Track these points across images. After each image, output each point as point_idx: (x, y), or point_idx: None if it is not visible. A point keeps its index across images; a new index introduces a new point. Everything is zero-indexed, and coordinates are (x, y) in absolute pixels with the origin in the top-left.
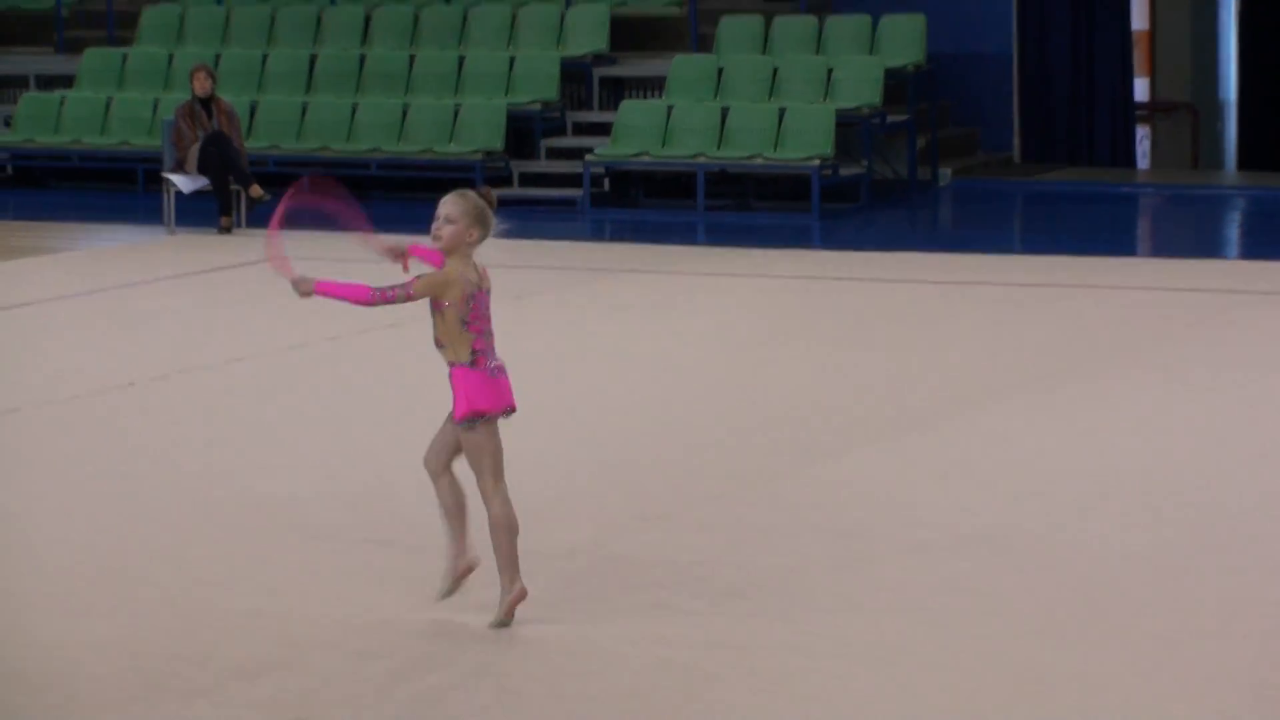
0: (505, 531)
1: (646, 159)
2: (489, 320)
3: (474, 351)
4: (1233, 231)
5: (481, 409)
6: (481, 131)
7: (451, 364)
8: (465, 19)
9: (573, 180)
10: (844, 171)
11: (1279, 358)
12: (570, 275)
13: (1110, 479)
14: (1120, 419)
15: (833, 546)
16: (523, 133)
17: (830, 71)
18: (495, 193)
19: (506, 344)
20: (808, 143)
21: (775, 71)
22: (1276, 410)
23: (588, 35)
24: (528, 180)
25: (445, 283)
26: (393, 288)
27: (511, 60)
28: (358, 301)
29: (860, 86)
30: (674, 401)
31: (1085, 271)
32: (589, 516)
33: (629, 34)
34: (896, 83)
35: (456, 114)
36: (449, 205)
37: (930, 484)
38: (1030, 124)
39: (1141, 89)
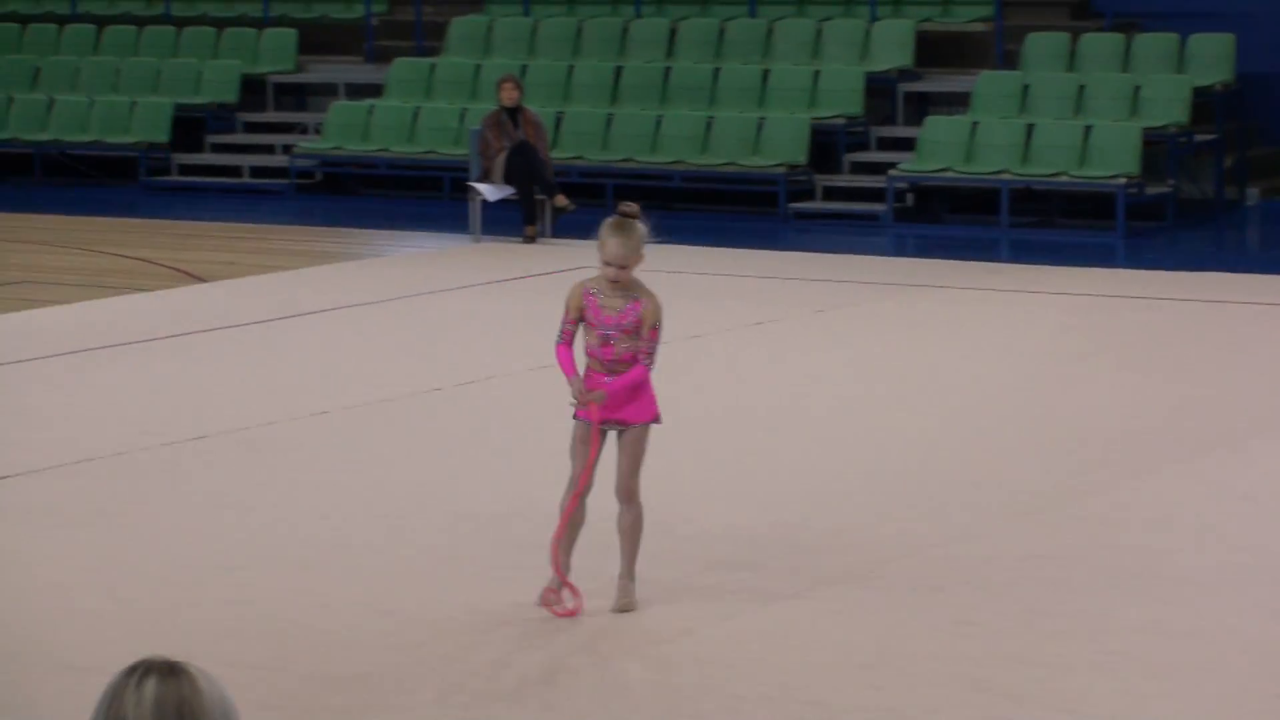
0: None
1: (950, 174)
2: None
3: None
4: None
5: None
6: (785, 145)
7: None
8: (770, 32)
9: (876, 195)
10: (1150, 190)
11: None
12: (873, 290)
13: None
14: None
15: (1137, 567)
16: (826, 147)
17: (1137, 89)
18: (635, 206)
19: (808, 355)
20: (1113, 161)
21: (1081, 89)
22: None
23: (893, 50)
24: (831, 194)
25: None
26: (646, 352)
27: (816, 74)
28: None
29: (1168, 105)
30: (974, 416)
31: None
32: (895, 525)
33: (934, 49)
34: (1204, 101)
35: (760, 127)
36: (617, 251)
37: (1235, 506)
38: None
39: None
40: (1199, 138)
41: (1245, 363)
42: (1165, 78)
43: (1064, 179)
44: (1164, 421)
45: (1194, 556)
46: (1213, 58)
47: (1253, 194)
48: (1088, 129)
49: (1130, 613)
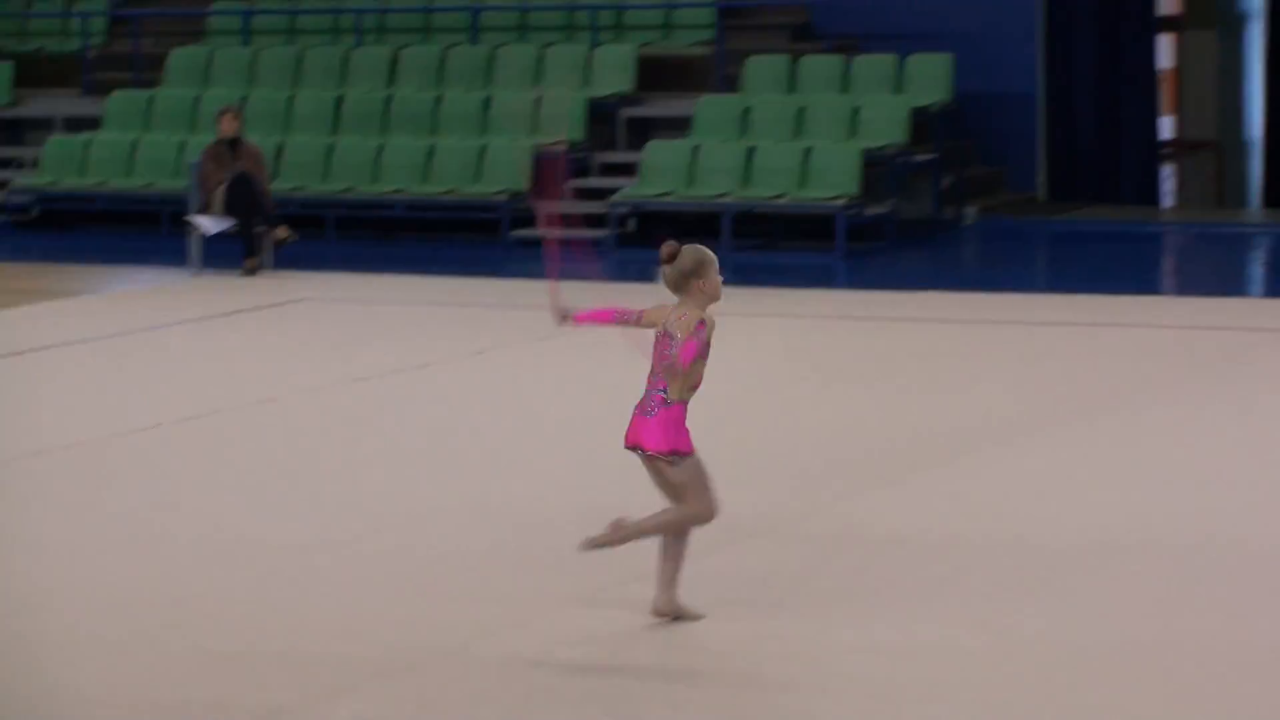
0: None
1: (672, 199)
2: (656, 361)
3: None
4: (1258, 269)
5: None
6: (507, 172)
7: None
8: (492, 59)
9: (599, 221)
10: (870, 211)
11: None
12: None
13: (1130, 518)
14: (1144, 456)
15: (859, 586)
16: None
17: (856, 110)
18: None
19: (531, 382)
20: (833, 182)
21: (801, 111)
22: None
23: (614, 75)
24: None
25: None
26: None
27: (538, 101)
28: (611, 322)
29: (886, 125)
30: (698, 440)
31: (1111, 310)
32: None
33: (656, 73)
34: (923, 121)
35: (482, 154)
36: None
37: (956, 520)
38: (1056, 162)
39: (1167, 127)
40: (918, 158)
41: (965, 380)
42: (884, 99)
43: (785, 201)
44: (883, 438)
45: (914, 576)
46: (930, 78)
47: (970, 212)
48: (808, 151)
49: (846, 634)
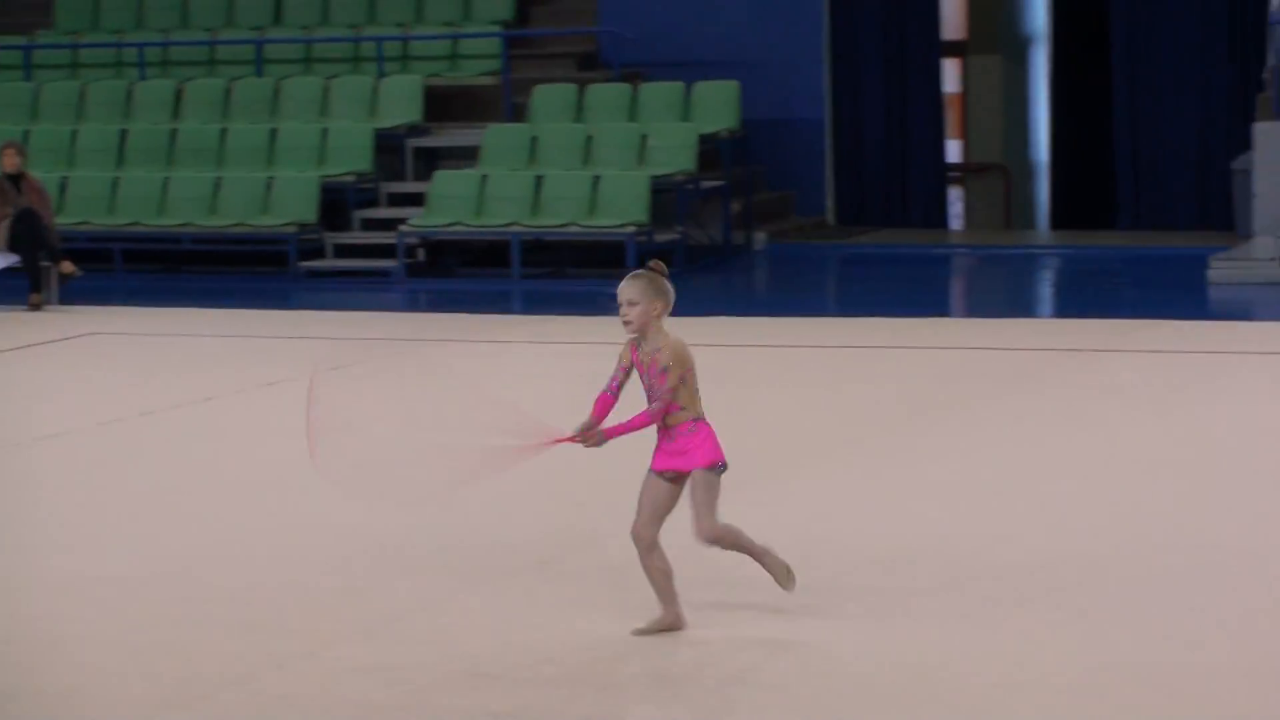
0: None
1: (460, 229)
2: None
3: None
4: (1045, 290)
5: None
6: (295, 204)
7: (696, 420)
8: (277, 91)
9: (388, 251)
10: (659, 238)
11: (1093, 414)
12: (385, 346)
13: (919, 540)
14: (935, 477)
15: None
16: (337, 204)
17: (644, 138)
18: (660, 264)
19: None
20: (623, 210)
21: (589, 139)
22: (1070, 465)
23: (401, 106)
24: (342, 252)
25: (682, 359)
26: (662, 399)
27: (324, 132)
28: (648, 425)
29: (675, 153)
30: None
31: (901, 332)
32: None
33: (443, 104)
34: (711, 148)
35: (269, 187)
36: (628, 290)
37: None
38: (844, 187)
39: (954, 151)
40: (706, 184)
41: (755, 406)
42: (671, 126)
43: (574, 229)
44: None
45: (709, 593)
46: (718, 106)
47: (760, 238)
48: (596, 179)
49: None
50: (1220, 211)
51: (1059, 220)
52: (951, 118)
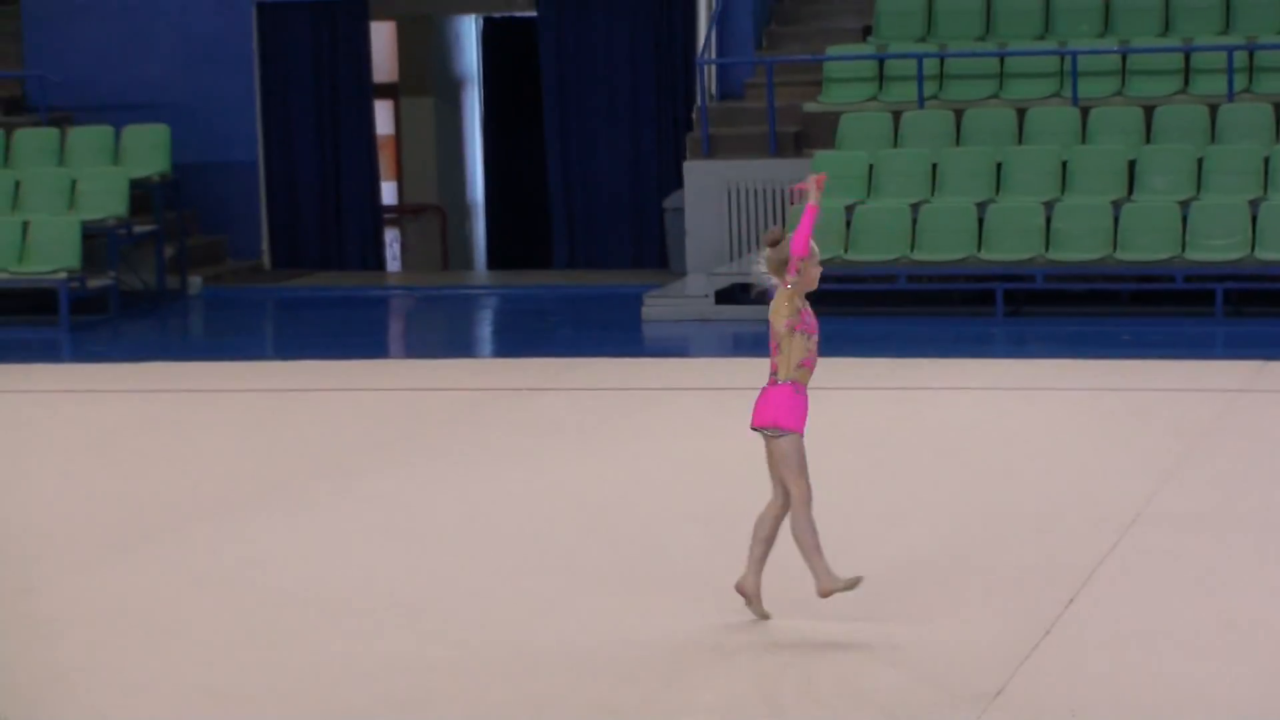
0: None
1: None
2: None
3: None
4: (484, 330)
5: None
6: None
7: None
8: None
9: None
10: (92, 283)
11: (526, 450)
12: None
13: (358, 584)
14: (376, 518)
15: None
16: None
17: (75, 183)
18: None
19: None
20: (53, 255)
21: (17, 185)
22: (496, 503)
23: None
24: None
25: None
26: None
27: None
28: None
29: (106, 198)
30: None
31: (339, 375)
32: None
33: None
34: (143, 193)
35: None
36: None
37: (184, 591)
38: (279, 230)
39: (390, 192)
40: (139, 229)
41: (192, 450)
42: (102, 170)
43: (3, 276)
44: (102, 513)
45: (150, 643)
46: (148, 150)
47: (195, 282)
48: (25, 224)
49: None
50: (654, 249)
51: (497, 260)
52: (386, 159)
